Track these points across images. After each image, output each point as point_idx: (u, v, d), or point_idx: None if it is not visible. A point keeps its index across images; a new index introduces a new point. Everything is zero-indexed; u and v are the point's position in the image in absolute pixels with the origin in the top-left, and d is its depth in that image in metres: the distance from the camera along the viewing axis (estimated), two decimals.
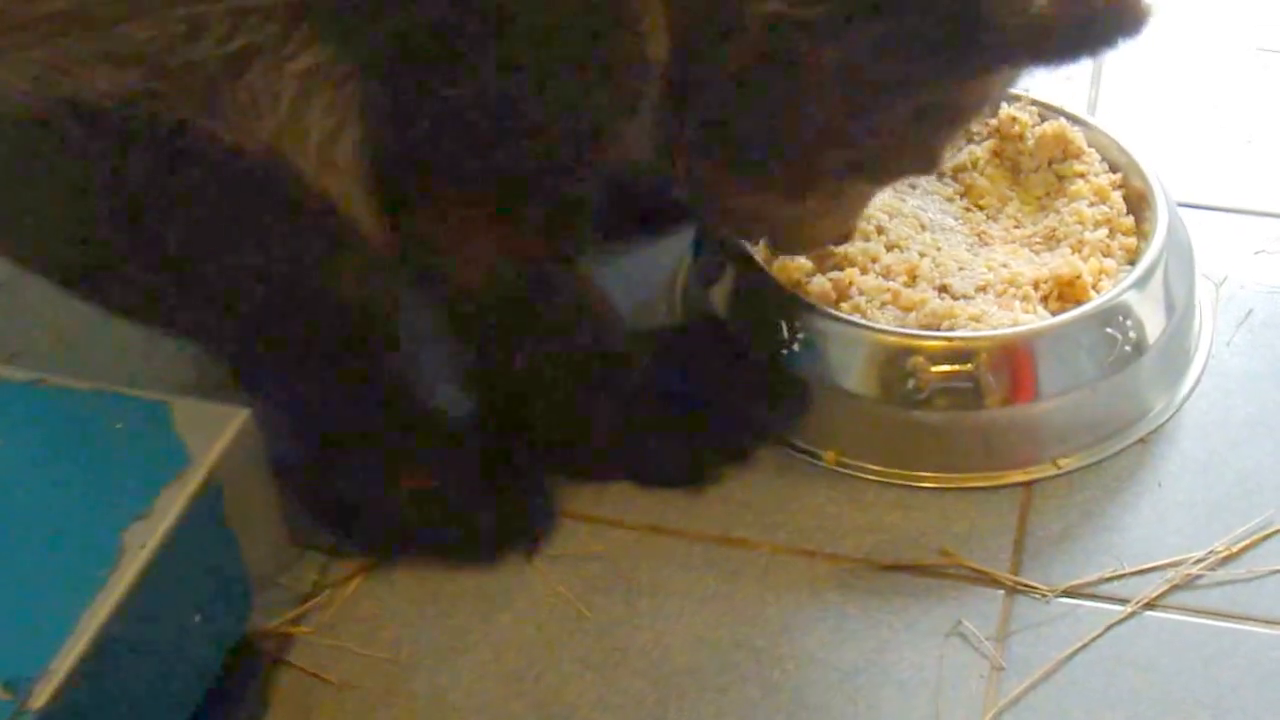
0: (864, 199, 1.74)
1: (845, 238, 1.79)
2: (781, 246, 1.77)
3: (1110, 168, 1.92)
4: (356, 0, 1.39)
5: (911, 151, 1.59)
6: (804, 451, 1.75)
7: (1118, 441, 1.75)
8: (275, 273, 1.48)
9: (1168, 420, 1.77)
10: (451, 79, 1.41)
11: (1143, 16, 1.40)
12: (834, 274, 1.79)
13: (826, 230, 1.74)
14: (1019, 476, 1.72)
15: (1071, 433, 1.73)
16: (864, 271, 1.80)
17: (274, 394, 1.60)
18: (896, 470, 1.73)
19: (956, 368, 1.68)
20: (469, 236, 1.54)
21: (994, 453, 1.72)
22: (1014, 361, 1.70)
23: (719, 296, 1.83)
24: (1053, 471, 1.72)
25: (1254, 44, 2.35)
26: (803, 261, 1.80)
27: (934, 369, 1.68)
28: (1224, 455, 1.73)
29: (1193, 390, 1.80)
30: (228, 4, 1.36)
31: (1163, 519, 1.67)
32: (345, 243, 1.49)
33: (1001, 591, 1.61)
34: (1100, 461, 1.73)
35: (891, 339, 1.71)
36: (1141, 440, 1.75)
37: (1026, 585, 1.61)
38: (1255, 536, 1.64)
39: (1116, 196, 1.89)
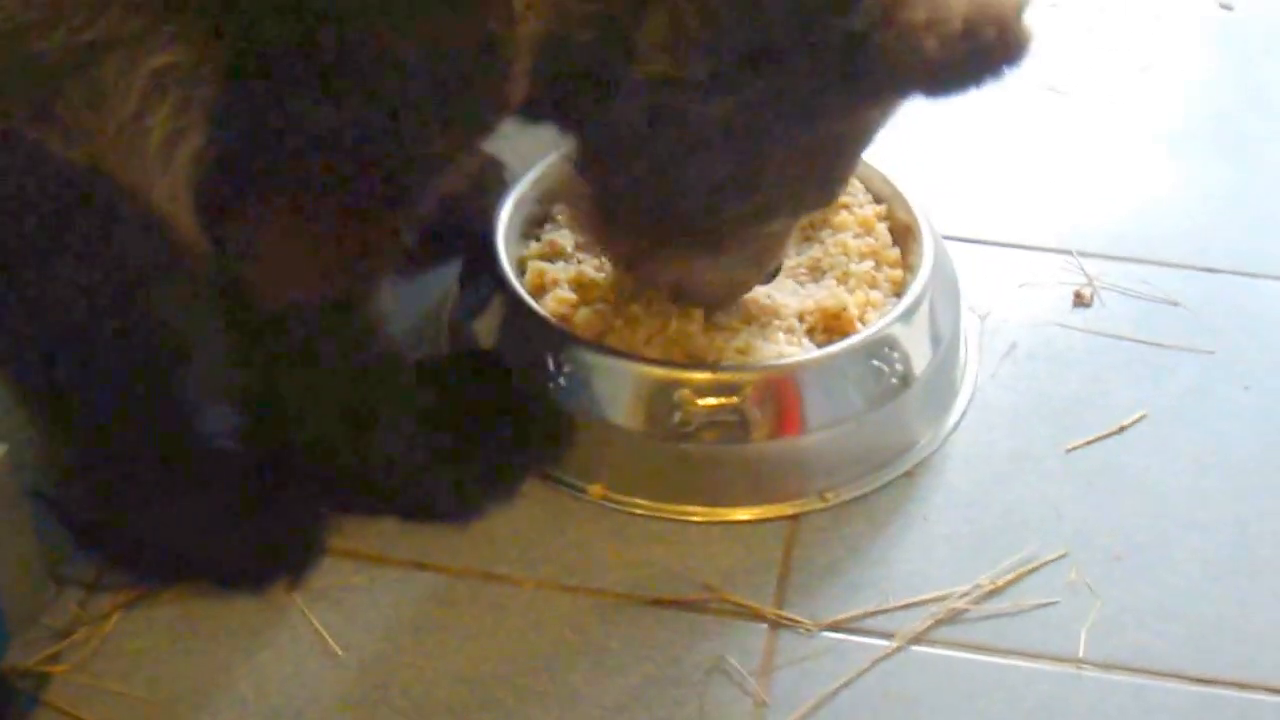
0: (781, 238, 1.73)
1: (774, 274, 1.80)
2: (718, 303, 1.77)
3: (875, 199, 1.93)
4: (233, 2, 1.35)
5: (814, 187, 1.61)
6: (570, 485, 1.73)
7: (884, 474, 1.74)
8: (93, 295, 1.43)
9: (933, 453, 1.77)
10: (313, 97, 1.38)
11: (1025, 44, 1.42)
12: (599, 306, 1.77)
13: (751, 277, 1.76)
14: (786, 510, 1.71)
15: (838, 465, 1.73)
16: (630, 303, 1.78)
17: (55, 416, 1.55)
18: (664, 505, 1.71)
19: (723, 401, 1.67)
20: (288, 248, 1.50)
21: (761, 486, 1.71)
22: (780, 394, 1.69)
23: (484, 328, 1.80)
24: (820, 505, 1.71)
25: (1017, 78, 2.37)
26: (568, 294, 1.78)
27: (700, 402, 1.67)
28: (988, 489, 1.74)
29: (958, 423, 1.81)
30: None
31: (928, 553, 1.67)
32: (166, 267, 1.45)
33: (765, 626, 1.59)
34: (866, 495, 1.72)
35: (657, 372, 1.69)
36: (908, 474, 1.75)
37: (791, 620, 1.59)
38: (1019, 570, 1.64)
39: (882, 228, 1.89)
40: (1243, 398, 1.85)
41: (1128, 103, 2.36)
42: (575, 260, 1.85)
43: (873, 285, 1.83)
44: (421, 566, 1.65)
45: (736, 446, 1.69)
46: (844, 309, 1.77)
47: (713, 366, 1.70)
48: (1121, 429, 1.81)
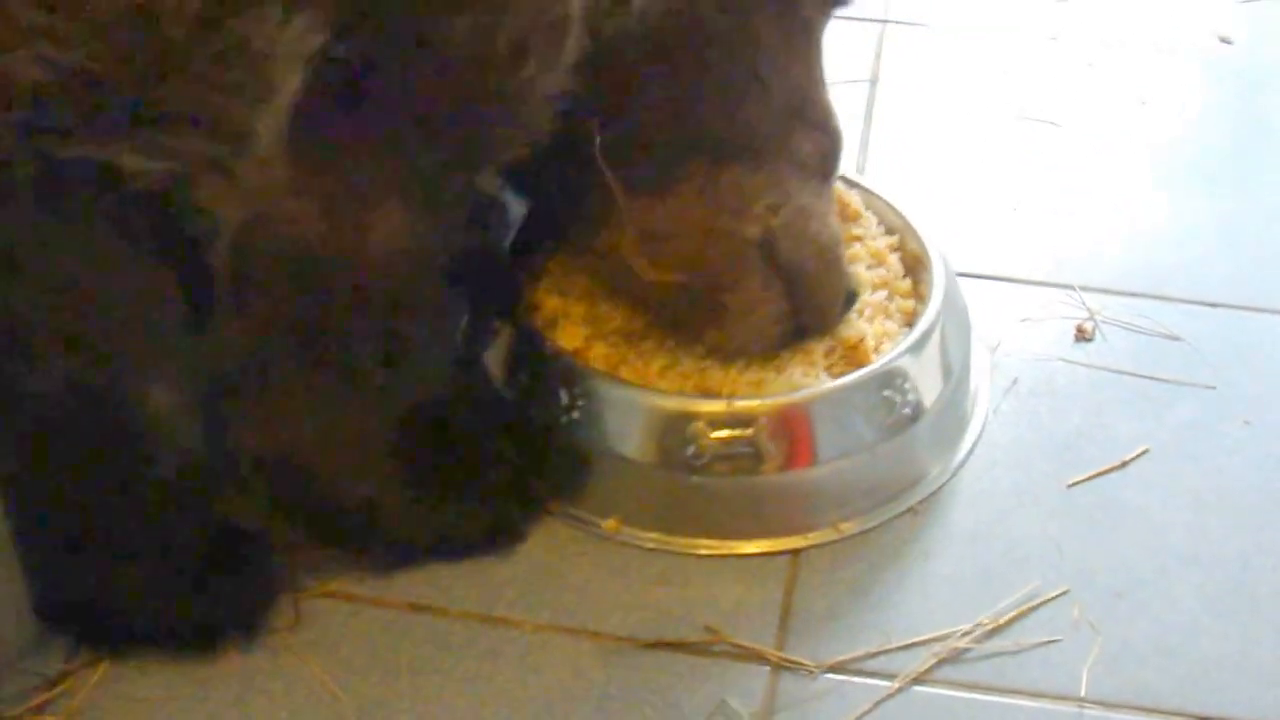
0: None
1: (852, 300, 1.83)
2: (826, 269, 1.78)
3: (886, 230, 1.94)
4: None
5: (808, 92, 1.73)
6: (582, 520, 1.72)
7: (896, 505, 1.75)
8: (86, 384, 1.44)
9: (936, 490, 1.76)
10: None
11: None
12: (612, 340, 1.78)
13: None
14: (797, 542, 1.71)
15: (849, 498, 1.72)
16: (643, 338, 1.78)
17: (21, 485, 1.52)
18: (674, 538, 1.70)
19: (737, 433, 1.67)
20: (380, 196, 1.48)
21: (770, 519, 1.71)
22: (793, 426, 1.69)
23: (495, 363, 1.80)
24: (834, 536, 1.71)
25: (1017, 112, 2.38)
26: (580, 328, 1.78)
27: (714, 435, 1.66)
28: (990, 525, 1.73)
29: (968, 457, 1.81)
30: None
31: (929, 592, 1.66)
32: (164, 349, 1.47)
33: (767, 668, 1.58)
34: (868, 533, 1.72)
35: (671, 404, 1.69)
36: (911, 510, 1.74)
37: (792, 661, 1.58)
38: (1021, 608, 1.63)
39: (894, 259, 1.90)
40: (1243, 433, 1.85)
41: (1128, 137, 2.36)
42: (587, 294, 1.84)
43: (886, 315, 1.83)
44: (417, 608, 1.64)
45: (748, 479, 1.69)
46: (862, 339, 1.77)
47: (728, 398, 1.70)
48: (1123, 464, 1.80)
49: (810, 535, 1.71)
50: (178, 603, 1.59)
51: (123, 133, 1.32)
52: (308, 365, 1.55)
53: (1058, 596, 1.65)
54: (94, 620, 1.58)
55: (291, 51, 1.35)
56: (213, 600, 1.60)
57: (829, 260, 1.76)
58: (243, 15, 1.31)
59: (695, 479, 1.68)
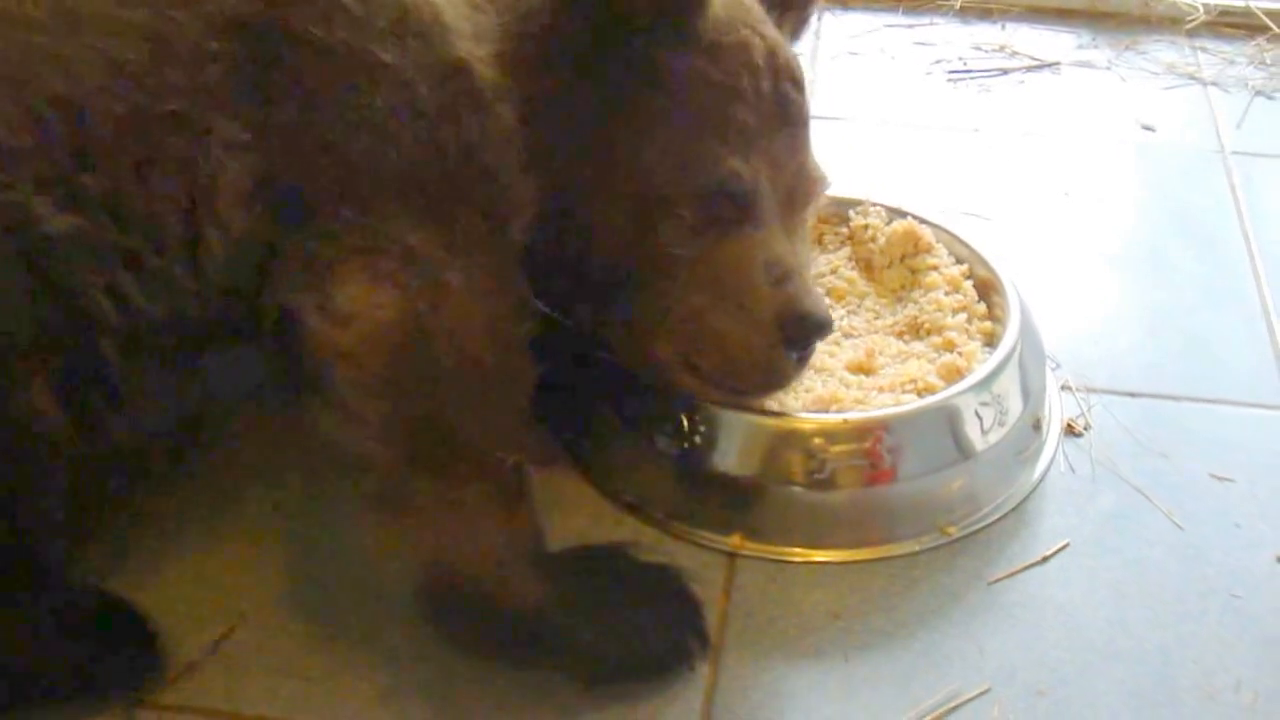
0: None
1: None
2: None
3: (956, 260, 2.04)
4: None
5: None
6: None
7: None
8: None
9: (851, 593, 1.76)
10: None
11: None
12: None
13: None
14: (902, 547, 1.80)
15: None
16: None
17: None
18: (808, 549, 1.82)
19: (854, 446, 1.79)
20: (447, 261, 1.52)
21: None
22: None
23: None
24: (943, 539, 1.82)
25: (942, 206, 2.38)
26: None
27: (834, 449, 1.79)
28: (910, 626, 1.72)
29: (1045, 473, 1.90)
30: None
31: (850, 695, 1.64)
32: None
33: None
34: (788, 637, 1.70)
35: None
36: (834, 615, 1.73)
37: None
38: (940, 709, 1.62)
39: (968, 285, 2.00)
40: (1163, 524, 1.84)
41: (1052, 227, 2.37)
42: None
43: (969, 336, 1.94)
44: None
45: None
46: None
47: (844, 414, 1.80)
48: (1044, 559, 1.80)
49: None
50: (62, 658, 1.58)
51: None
52: (435, 466, 1.53)
53: (979, 696, 1.64)
54: None
55: (234, 190, 1.45)
56: (98, 658, 1.60)
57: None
58: (178, 136, 1.42)
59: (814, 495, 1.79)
